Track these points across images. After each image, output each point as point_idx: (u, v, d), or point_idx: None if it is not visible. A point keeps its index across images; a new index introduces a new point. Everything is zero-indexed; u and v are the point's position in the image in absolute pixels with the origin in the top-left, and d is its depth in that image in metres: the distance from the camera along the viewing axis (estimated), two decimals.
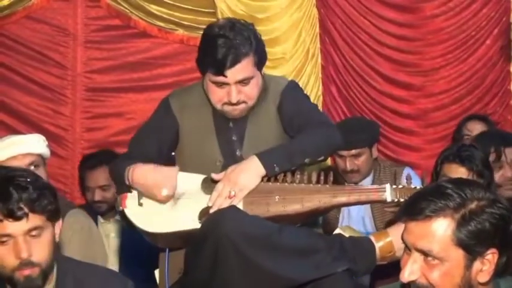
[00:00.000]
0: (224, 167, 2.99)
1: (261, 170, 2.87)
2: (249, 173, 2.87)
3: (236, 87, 2.96)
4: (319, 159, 3.02)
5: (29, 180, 2.37)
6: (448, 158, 3.32)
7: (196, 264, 2.81)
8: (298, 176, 2.92)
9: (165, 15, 5.30)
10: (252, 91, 3.01)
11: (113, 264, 4.14)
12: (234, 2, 5.20)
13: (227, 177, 2.87)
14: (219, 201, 2.84)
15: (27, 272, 2.33)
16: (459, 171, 3.25)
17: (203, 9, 5.18)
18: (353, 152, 4.28)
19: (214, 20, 4.12)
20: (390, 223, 3.62)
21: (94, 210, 4.24)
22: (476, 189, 2.08)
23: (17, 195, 2.31)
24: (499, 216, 2.04)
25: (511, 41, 5.27)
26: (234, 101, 2.98)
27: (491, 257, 2.05)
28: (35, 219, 2.34)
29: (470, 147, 3.38)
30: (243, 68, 2.95)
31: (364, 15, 5.32)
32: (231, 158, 3.05)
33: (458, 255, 2.03)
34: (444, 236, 2.02)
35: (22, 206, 2.31)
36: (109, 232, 4.27)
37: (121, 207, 2.95)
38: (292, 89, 3.16)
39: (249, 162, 2.89)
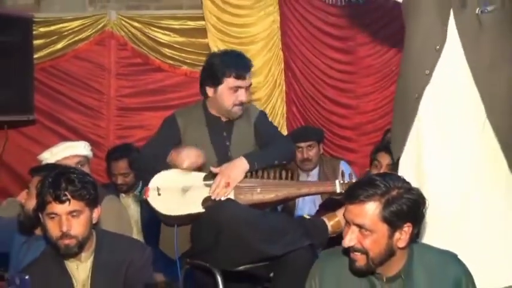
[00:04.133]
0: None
1: (246, 166, 2.91)
2: (238, 169, 2.91)
3: (247, 91, 3.09)
4: (283, 162, 3.07)
5: (75, 175, 2.39)
6: (379, 148, 3.55)
7: (203, 238, 2.85)
8: (272, 174, 2.96)
9: (174, 56, 5.29)
10: (249, 95, 3.19)
11: (133, 230, 4.09)
12: (223, 46, 5.17)
13: (222, 172, 2.90)
14: (217, 189, 2.87)
15: (66, 241, 2.35)
16: (385, 157, 3.40)
17: (201, 51, 5.15)
18: (308, 143, 4.42)
19: None
20: (324, 204, 3.76)
21: (117, 189, 4.25)
22: (397, 180, 2.11)
23: (64, 185, 2.34)
24: (413, 200, 2.07)
25: None
26: (245, 100, 3.09)
27: (407, 229, 2.08)
28: (75, 204, 2.35)
29: None
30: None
31: (317, 56, 5.31)
32: (223, 160, 3.05)
33: (383, 228, 2.05)
34: (373, 215, 2.04)
35: (66, 193, 2.33)
36: (129, 204, 4.25)
37: (144, 197, 2.96)
38: (265, 115, 3.27)
39: (238, 160, 2.94)
